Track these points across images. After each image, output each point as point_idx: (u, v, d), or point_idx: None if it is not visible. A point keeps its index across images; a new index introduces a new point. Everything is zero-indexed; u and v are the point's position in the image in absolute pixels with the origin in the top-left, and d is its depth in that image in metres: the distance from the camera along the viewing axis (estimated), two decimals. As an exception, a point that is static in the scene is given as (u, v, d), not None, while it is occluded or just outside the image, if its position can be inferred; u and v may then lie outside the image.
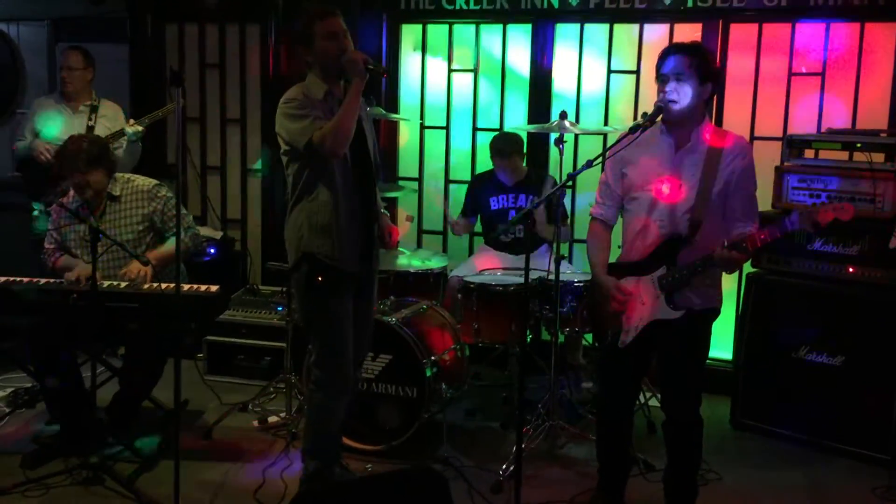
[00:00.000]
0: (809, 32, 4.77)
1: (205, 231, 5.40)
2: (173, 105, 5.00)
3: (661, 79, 3.05)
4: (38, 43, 6.18)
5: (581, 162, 3.08)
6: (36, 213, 3.71)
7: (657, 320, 3.10)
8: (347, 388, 3.46)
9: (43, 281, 3.79)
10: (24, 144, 4.91)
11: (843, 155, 4.33)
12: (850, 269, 4.12)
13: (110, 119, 5.03)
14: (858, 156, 4.20)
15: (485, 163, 5.19)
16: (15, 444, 4.00)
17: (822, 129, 4.66)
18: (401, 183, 5.54)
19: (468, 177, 5.38)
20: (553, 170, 5.06)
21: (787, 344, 4.26)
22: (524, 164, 4.79)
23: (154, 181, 4.08)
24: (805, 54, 4.80)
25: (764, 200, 4.07)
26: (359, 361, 3.61)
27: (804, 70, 4.80)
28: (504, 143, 4.69)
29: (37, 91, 6.20)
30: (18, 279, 3.78)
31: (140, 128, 4.77)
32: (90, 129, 4.94)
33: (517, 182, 4.74)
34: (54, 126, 4.86)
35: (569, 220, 4.85)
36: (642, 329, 3.13)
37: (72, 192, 3.95)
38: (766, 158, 4.51)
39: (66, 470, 3.64)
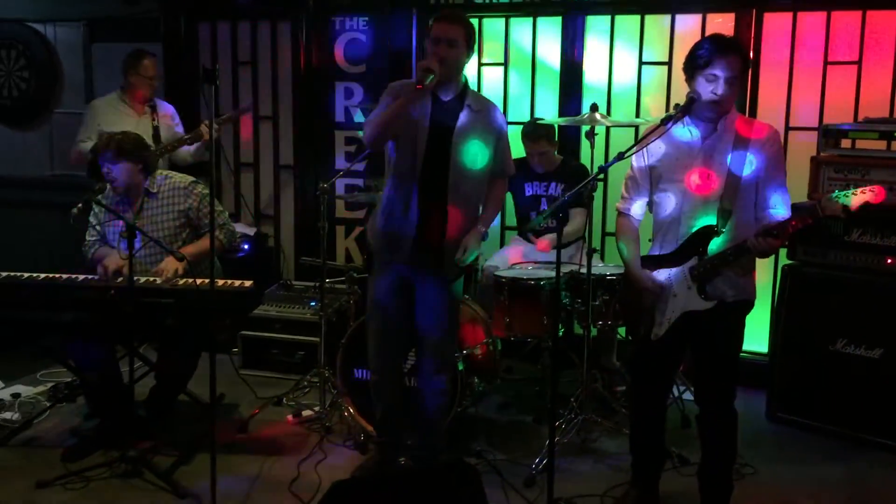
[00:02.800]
0: (845, 21, 4.69)
1: (238, 227, 5.45)
2: (243, 109, 5.17)
3: (707, 77, 2.96)
4: (74, 43, 6.28)
5: (612, 154, 3.05)
6: (75, 210, 3.77)
7: (689, 312, 3.08)
8: (385, 372, 3.65)
9: (81, 278, 3.85)
10: (88, 146, 5.00)
11: (881, 144, 4.26)
12: (889, 261, 4.06)
13: (169, 118, 5.24)
14: (896, 145, 4.14)
15: (516, 154, 5.17)
16: (56, 438, 4.08)
17: (859, 119, 4.58)
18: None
19: (499, 170, 5.37)
20: (584, 162, 5.03)
21: (823, 336, 4.21)
22: (556, 154, 4.77)
23: (191, 178, 4.14)
24: (841, 42, 4.72)
25: (801, 191, 4.03)
26: (434, 360, 3.57)
27: (840, 59, 4.73)
28: (533, 127, 4.69)
29: (73, 91, 6.31)
30: (58, 276, 3.85)
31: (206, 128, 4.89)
32: (156, 129, 5.06)
33: (549, 171, 4.73)
34: (121, 126, 4.95)
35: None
36: (675, 321, 3.11)
37: (109, 189, 4.02)
38: (802, 149, 4.45)
39: (105, 463, 3.70)
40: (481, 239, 3.50)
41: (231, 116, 5.27)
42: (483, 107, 3.48)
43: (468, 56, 3.41)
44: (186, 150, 5.16)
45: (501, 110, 3.61)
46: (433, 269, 3.48)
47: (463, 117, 3.39)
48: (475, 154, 3.44)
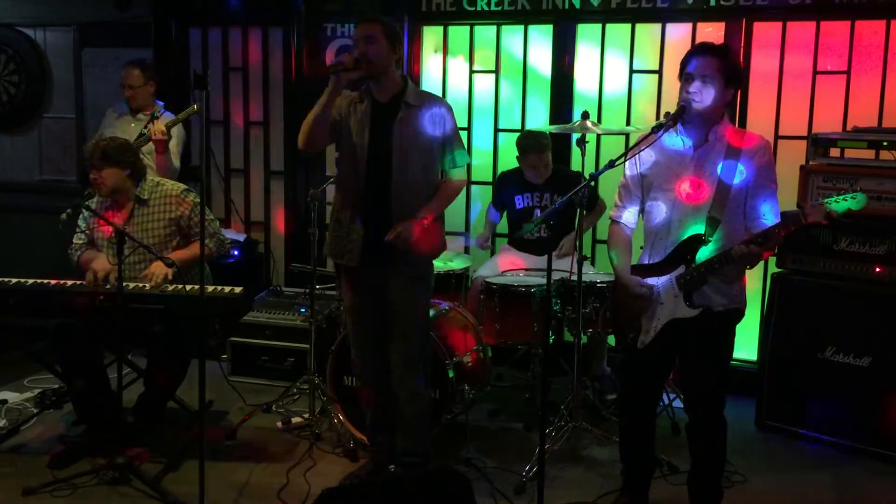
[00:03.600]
0: (834, 30, 4.72)
1: (228, 233, 5.44)
2: (192, 109, 5.04)
3: (686, 77, 3.04)
4: (64, 48, 6.26)
5: (603, 162, 3.07)
6: (64, 216, 3.76)
7: (677, 319, 3.09)
8: (366, 377, 3.70)
9: (70, 283, 3.83)
10: None
11: (870, 153, 4.29)
12: (877, 269, 4.08)
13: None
14: (885, 154, 4.15)
15: (506, 163, 5.19)
16: (43, 445, 4.05)
17: (848, 128, 4.61)
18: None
19: (490, 178, 5.39)
20: (575, 170, 5.04)
21: (812, 344, 4.23)
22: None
23: (183, 186, 4.13)
24: (830, 52, 4.75)
25: (789, 200, 4.05)
26: (403, 362, 3.56)
27: (829, 68, 4.76)
28: (539, 138, 4.65)
29: (63, 96, 6.29)
30: (46, 281, 3.83)
31: (161, 136, 4.81)
32: (141, 135, 5.03)
33: (544, 180, 4.73)
34: (114, 131, 4.96)
35: (600, 200, 4.81)
36: (662, 328, 3.12)
37: (97, 195, 4.01)
38: (791, 158, 4.47)
39: (92, 470, 3.68)
40: (417, 227, 3.38)
41: (180, 117, 4.94)
42: (423, 102, 3.46)
43: (394, 54, 3.42)
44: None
45: (448, 104, 3.53)
46: (391, 270, 3.47)
47: (401, 116, 3.41)
48: (417, 151, 3.43)
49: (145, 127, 5.08)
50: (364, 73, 3.37)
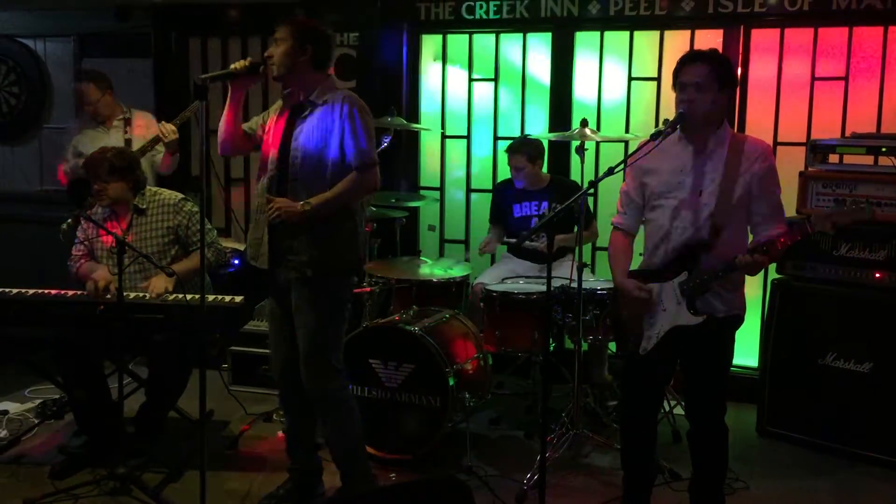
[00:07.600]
0: (832, 37, 4.74)
1: (228, 243, 5.44)
2: (197, 104, 5.04)
3: (680, 86, 3.05)
4: (65, 59, 6.28)
5: (602, 169, 3.07)
6: (64, 226, 3.77)
7: (679, 326, 3.09)
8: (279, 385, 3.60)
9: (70, 293, 3.84)
10: (69, 166, 5.05)
11: (868, 159, 4.29)
12: (877, 275, 4.08)
13: (144, 127, 5.14)
14: (884, 160, 4.16)
15: (506, 171, 5.19)
16: (43, 455, 4.05)
17: (847, 134, 4.61)
18: (422, 192, 5.57)
19: (489, 185, 5.39)
20: (574, 177, 5.05)
21: (813, 350, 4.22)
22: (543, 171, 4.78)
23: (180, 195, 4.13)
24: (828, 59, 4.76)
25: (788, 207, 4.05)
26: (305, 374, 3.40)
27: (827, 74, 4.77)
28: (517, 142, 4.69)
29: (63, 106, 6.30)
30: (46, 291, 3.83)
31: (174, 135, 4.81)
32: (127, 142, 5.03)
33: (538, 189, 4.73)
34: (93, 147, 4.96)
35: (595, 222, 4.82)
36: (664, 336, 3.12)
37: (97, 206, 4.01)
38: (790, 164, 4.48)
39: (93, 480, 3.67)
40: (299, 210, 3.24)
41: (187, 114, 4.93)
42: (327, 99, 3.33)
43: (303, 54, 3.32)
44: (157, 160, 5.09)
45: (351, 99, 3.33)
46: (293, 272, 3.33)
47: (304, 115, 3.36)
48: (313, 148, 3.30)
49: (126, 133, 5.07)
50: (265, 76, 3.39)
